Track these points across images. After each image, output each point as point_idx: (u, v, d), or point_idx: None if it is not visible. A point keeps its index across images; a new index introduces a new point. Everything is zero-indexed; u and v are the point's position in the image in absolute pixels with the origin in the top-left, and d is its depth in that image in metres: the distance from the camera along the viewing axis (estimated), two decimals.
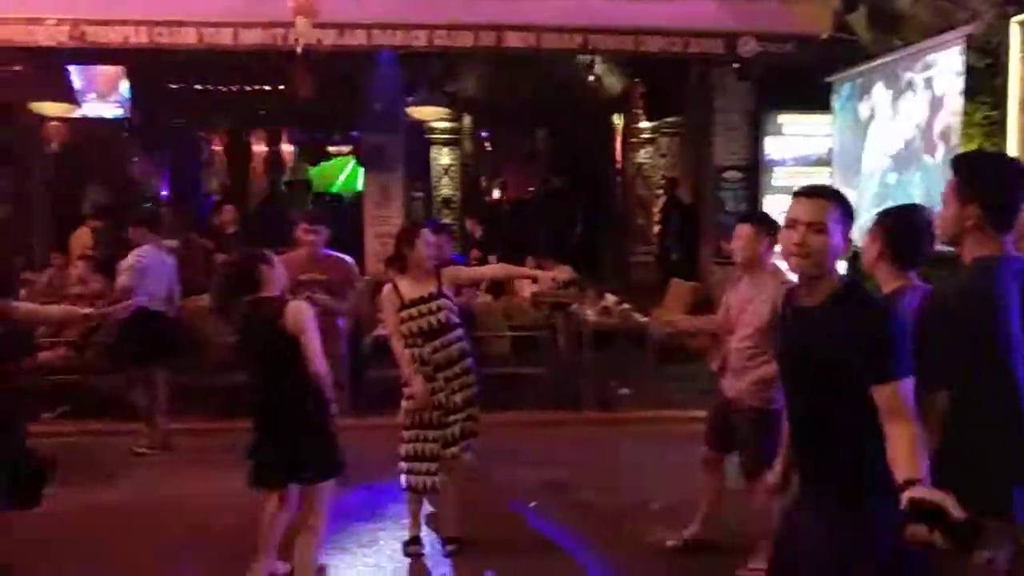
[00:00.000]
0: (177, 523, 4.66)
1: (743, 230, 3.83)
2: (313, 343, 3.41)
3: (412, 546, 4.24)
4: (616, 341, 7.00)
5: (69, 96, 8.48)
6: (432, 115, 9.53)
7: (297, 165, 15.02)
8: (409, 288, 4.08)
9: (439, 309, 4.06)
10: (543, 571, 4.14)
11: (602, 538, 4.44)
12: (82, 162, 9.82)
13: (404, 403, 4.13)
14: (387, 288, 4.14)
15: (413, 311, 4.06)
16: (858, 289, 2.17)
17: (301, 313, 3.43)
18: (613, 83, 10.39)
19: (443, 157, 10.76)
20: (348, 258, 5.28)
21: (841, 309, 2.11)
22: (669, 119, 10.18)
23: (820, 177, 7.44)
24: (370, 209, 8.96)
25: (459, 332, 4.15)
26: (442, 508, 4.33)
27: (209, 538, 4.45)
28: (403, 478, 4.15)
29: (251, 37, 6.99)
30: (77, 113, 8.79)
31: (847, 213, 2.17)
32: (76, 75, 8.71)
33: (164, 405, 6.01)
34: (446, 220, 10.15)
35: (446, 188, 10.76)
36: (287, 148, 14.42)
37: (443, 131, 10.62)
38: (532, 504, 4.85)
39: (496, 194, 14.46)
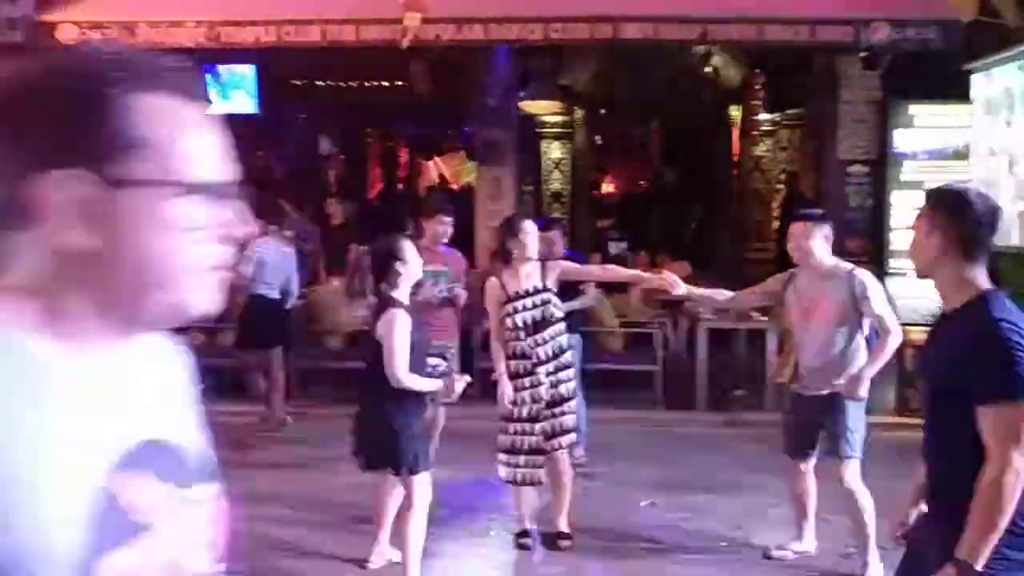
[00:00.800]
0: (295, 503, 4.85)
1: (796, 227, 3.86)
2: (392, 351, 3.52)
3: (522, 539, 4.25)
4: (732, 340, 6.82)
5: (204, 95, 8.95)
6: (544, 109, 9.54)
7: (411, 160, 15.34)
8: (513, 281, 4.08)
9: (543, 303, 4.06)
10: (651, 571, 4.08)
11: (713, 542, 4.34)
12: None
13: (501, 395, 4.17)
14: (491, 281, 4.15)
15: (517, 304, 4.06)
16: (989, 296, 2.01)
17: (390, 323, 3.55)
18: (731, 74, 10.10)
19: (554, 151, 10.74)
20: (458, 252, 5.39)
21: (963, 317, 2.00)
22: (790, 111, 9.81)
23: (956, 172, 6.99)
24: (482, 203, 9.05)
25: (561, 327, 4.14)
26: (552, 503, 4.32)
27: (327, 518, 4.61)
28: (501, 470, 4.17)
29: (372, 33, 7.17)
30: (210, 111, 9.26)
31: (956, 212, 2.05)
32: (210, 74, 9.17)
33: (281, 389, 6.30)
34: (556, 215, 10.16)
35: (556, 182, 10.75)
36: (401, 143, 14.74)
37: (554, 125, 10.60)
38: (643, 503, 4.78)
39: (607, 188, 14.35)
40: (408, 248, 3.72)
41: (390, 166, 14.58)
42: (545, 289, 4.07)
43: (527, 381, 4.06)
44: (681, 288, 4.06)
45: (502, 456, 4.16)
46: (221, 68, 9.33)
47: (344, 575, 3.97)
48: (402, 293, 3.68)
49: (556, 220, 6.22)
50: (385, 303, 3.64)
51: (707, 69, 9.55)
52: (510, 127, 8.89)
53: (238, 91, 9.85)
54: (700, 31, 7.03)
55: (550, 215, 9.83)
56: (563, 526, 4.24)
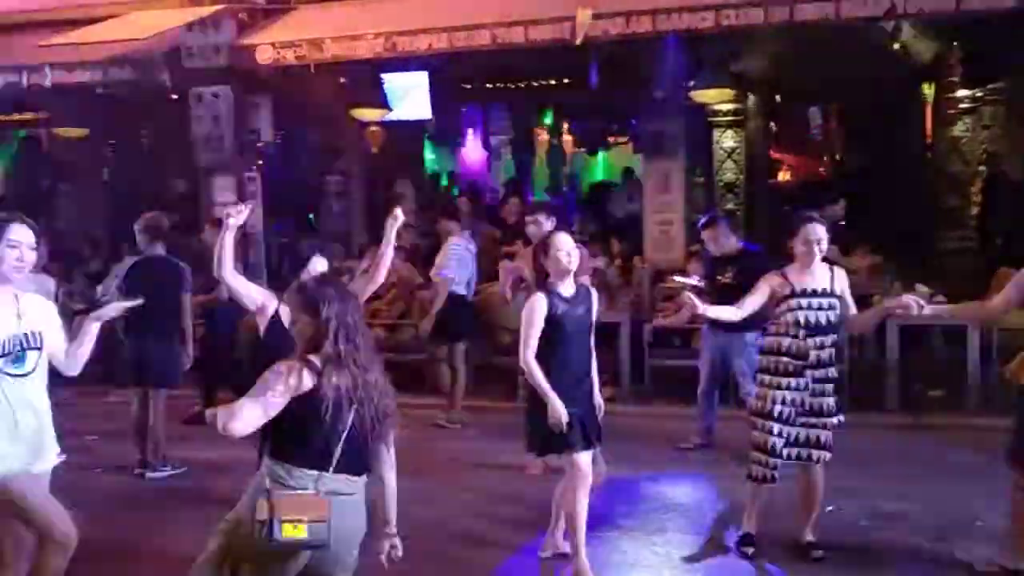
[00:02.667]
0: (473, 488, 5.02)
1: None
2: (524, 337, 3.70)
3: (745, 545, 4.11)
4: (928, 338, 6.33)
5: (383, 102, 9.43)
6: (715, 97, 9.24)
7: (577, 155, 15.40)
8: (800, 277, 3.98)
9: (830, 307, 3.95)
10: None
11: (909, 553, 4.05)
12: (391, 161, 10.88)
13: (757, 389, 4.10)
14: (776, 275, 4.03)
15: (803, 301, 3.95)
16: None
17: (527, 307, 3.73)
18: (922, 49, 9.32)
19: (726, 140, 10.38)
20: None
21: None
22: (993, 85, 8.92)
23: None
24: (650, 196, 8.92)
25: (836, 337, 4.03)
26: (801, 514, 4.13)
27: (502, 505, 4.73)
28: (752, 468, 4.07)
29: (540, 33, 7.26)
30: (388, 117, 9.76)
31: None
32: (388, 82, 9.65)
33: (463, 383, 6.52)
34: (730, 206, 9.82)
35: (729, 173, 10.38)
36: (567, 139, 14.82)
37: (726, 113, 10.24)
38: (828, 508, 4.54)
39: (783, 176, 13.70)
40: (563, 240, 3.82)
41: (557, 163, 14.71)
42: (833, 294, 3.96)
43: (792, 382, 3.94)
44: (925, 309, 3.87)
45: (754, 454, 4.04)
46: (396, 76, 9.78)
47: (513, 563, 4.05)
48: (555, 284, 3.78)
49: (720, 216, 6.01)
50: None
51: (895, 46, 8.88)
52: (679, 118, 8.71)
53: (412, 97, 10.29)
54: (888, 6, 6.56)
55: (722, 207, 9.53)
56: (811, 536, 4.09)
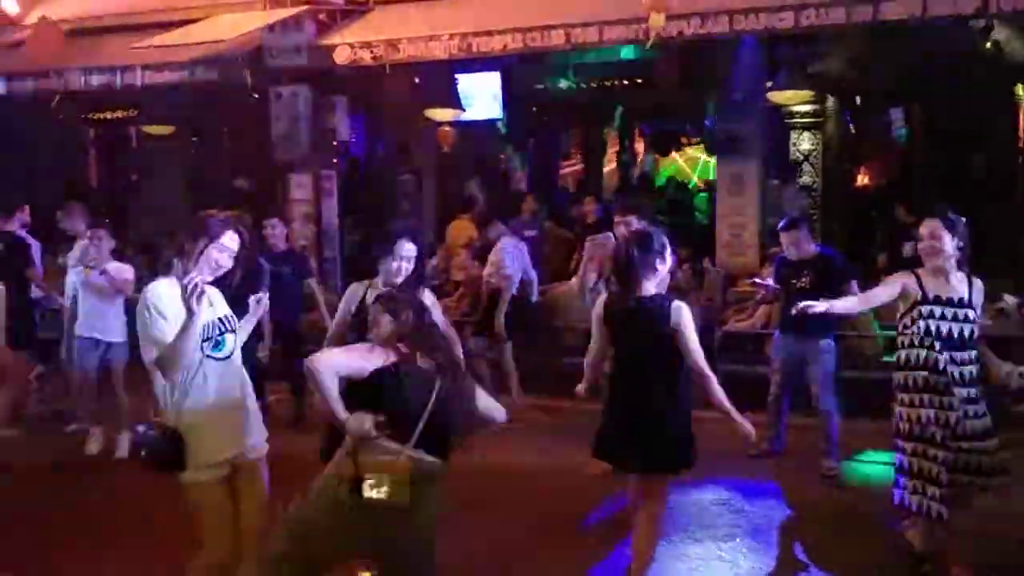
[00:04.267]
0: (527, 492, 5.00)
1: None
2: (694, 341, 3.51)
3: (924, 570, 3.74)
4: (1017, 349, 6.03)
5: (455, 102, 9.53)
6: (793, 99, 9.04)
7: (648, 157, 15.26)
8: (934, 284, 3.67)
9: (965, 319, 3.63)
10: None
11: None
12: (462, 160, 10.99)
13: (898, 409, 3.75)
14: (908, 275, 3.74)
15: (936, 309, 3.63)
16: None
17: (688, 313, 3.50)
18: (1017, 48, 8.94)
19: (803, 142, 10.14)
20: None
21: None
22: None
23: None
24: (723, 199, 8.79)
25: (974, 354, 3.67)
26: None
27: (561, 510, 4.72)
28: (896, 493, 3.74)
29: (615, 33, 7.23)
30: (461, 117, 9.86)
31: None
32: (461, 83, 9.74)
33: (516, 380, 6.54)
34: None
35: (806, 175, 10.14)
36: (639, 140, 14.71)
37: (804, 115, 10.00)
38: None
39: (862, 180, 13.30)
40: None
41: (627, 164, 14.61)
42: (970, 304, 3.66)
43: (936, 400, 3.61)
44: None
45: (900, 479, 3.73)
46: (469, 76, 9.87)
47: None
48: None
49: (801, 219, 5.86)
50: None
51: (987, 45, 8.54)
52: (755, 119, 8.56)
53: (484, 97, 10.37)
54: (978, 4, 6.31)
55: (793, 215, 9.31)
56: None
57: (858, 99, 10.90)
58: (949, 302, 3.62)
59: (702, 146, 13.62)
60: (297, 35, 8.39)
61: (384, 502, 2.59)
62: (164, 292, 2.99)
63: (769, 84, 8.53)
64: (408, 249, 3.71)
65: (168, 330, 2.90)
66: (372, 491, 2.58)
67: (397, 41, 7.95)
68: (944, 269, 3.64)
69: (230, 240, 3.11)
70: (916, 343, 3.65)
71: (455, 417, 2.76)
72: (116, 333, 5.70)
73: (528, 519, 4.63)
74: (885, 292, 3.77)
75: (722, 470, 5.11)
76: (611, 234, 5.31)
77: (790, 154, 10.07)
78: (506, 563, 4.09)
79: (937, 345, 3.60)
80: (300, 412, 6.28)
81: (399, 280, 3.68)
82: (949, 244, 3.62)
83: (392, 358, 2.74)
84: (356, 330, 3.62)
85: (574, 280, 7.74)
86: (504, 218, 7.71)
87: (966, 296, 3.65)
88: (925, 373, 3.61)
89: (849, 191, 11.63)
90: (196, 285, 2.82)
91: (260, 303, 3.27)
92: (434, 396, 2.70)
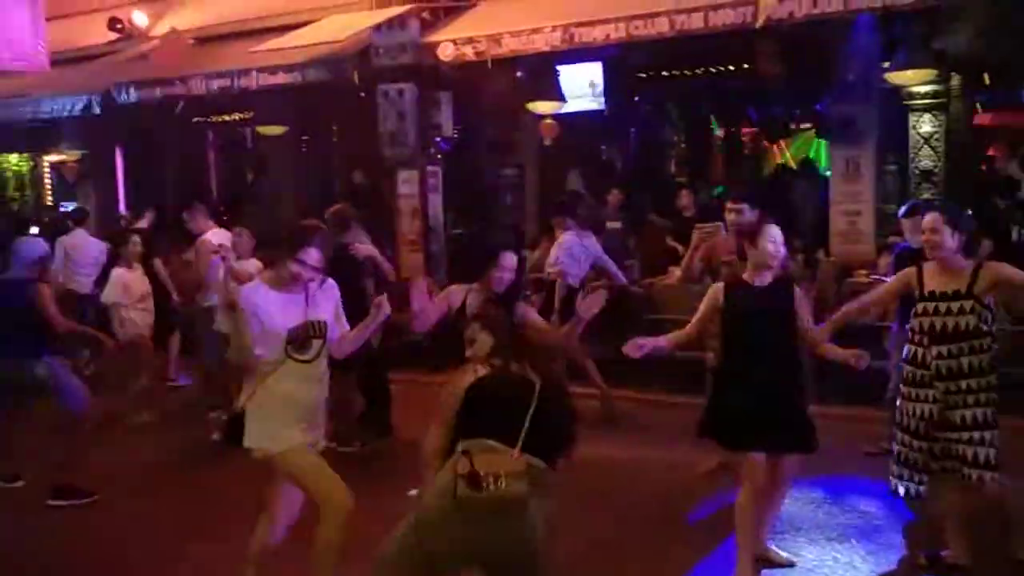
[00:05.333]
0: (631, 488, 4.97)
1: None
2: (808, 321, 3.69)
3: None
4: None
5: (557, 94, 9.52)
6: (914, 79, 8.56)
7: (755, 143, 14.81)
8: (933, 278, 3.65)
9: (960, 312, 3.56)
10: None
11: None
12: (564, 153, 10.97)
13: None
14: (912, 270, 3.74)
15: (929, 305, 3.63)
16: None
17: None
18: None
19: (923, 125, 9.59)
20: None
21: None
22: None
23: None
24: (836, 186, 8.44)
25: (984, 342, 3.59)
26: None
27: (669, 504, 4.66)
28: (891, 481, 3.84)
29: (720, 18, 7.06)
30: (563, 109, 9.83)
31: None
32: (562, 74, 9.71)
33: (596, 377, 6.47)
34: (925, 196, 9.10)
35: (926, 160, 9.59)
36: (746, 127, 14.28)
37: (924, 95, 9.45)
38: None
39: (988, 164, 12.49)
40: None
41: (734, 152, 14.22)
42: (970, 295, 3.57)
43: (918, 393, 3.69)
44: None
45: (892, 467, 3.85)
46: (571, 68, 9.83)
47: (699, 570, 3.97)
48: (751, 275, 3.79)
49: (928, 203, 5.54)
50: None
51: None
52: (871, 101, 8.17)
53: (586, 89, 10.30)
54: None
55: (918, 196, 8.85)
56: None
57: (986, 76, 10.22)
58: (943, 296, 3.60)
59: (813, 131, 13.11)
60: (403, 34, 8.58)
61: (501, 496, 2.62)
62: (256, 293, 3.24)
63: (886, 64, 8.12)
64: (511, 261, 3.83)
65: (251, 329, 3.14)
66: (489, 485, 2.61)
67: (499, 35, 8.02)
68: (946, 261, 3.62)
69: (311, 253, 3.24)
70: (911, 338, 3.73)
71: (555, 423, 2.80)
72: None
73: (633, 515, 4.60)
74: (892, 287, 3.91)
75: (837, 467, 4.93)
76: (720, 223, 5.20)
77: (909, 137, 9.56)
78: (613, 560, 4.07)
79: (925, 340, 3.64)
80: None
81: (500, 290, 3.75)
82: (949, 238, 3.60)
83: (483, 371, 2.84)
84: (452, 331, 3.72)
85: (676, 270, 7.63)
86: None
87: (964, 288, 3.58)
88: (912, 367, 3.70)
89: (975, 176, 10.94)
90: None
91: (381, 308, 3.36)
92: (534, 402, 2.73)
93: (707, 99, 12.45)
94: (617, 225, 8.30)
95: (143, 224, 7.93)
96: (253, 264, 5.78)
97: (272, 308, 3.21)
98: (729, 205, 5.04)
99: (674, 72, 10.42)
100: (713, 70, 10.34)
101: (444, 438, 2.82)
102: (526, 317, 3.78)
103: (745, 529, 3.63)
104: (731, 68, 10.16)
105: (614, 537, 4.31)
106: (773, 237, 3.67)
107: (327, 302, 3.37)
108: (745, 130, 14.28)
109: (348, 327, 3.46)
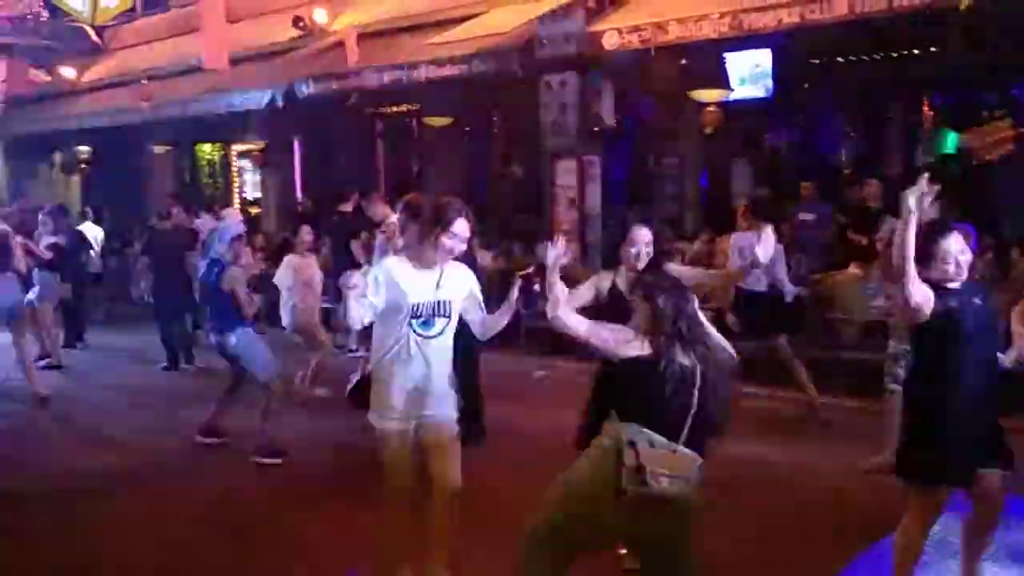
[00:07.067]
0: (785, 490, 4.78)
1: None
2: None
3: None
4: None
5: (723, 82, 9.26)
6: None
7: (937, 131, 13.72)
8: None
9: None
10: None
11: None
12: (728, 142, 10.65)
13: None
14: None
15: None
16: None
17: None
18: None
19: None
20: None
21: None
22: None
23: None
24: None
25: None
26: None
27: (817, 511, 4.46)
28: None
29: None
30: (729, 97, 9.55)
31: None
32: (729, 62, 9.43)
33: (801, 377, 6.18)
34: None
35: None
36: (928, 113, 13.27)
37: None
38: None
39: None
40: None
41: (912, 141, 13.26)
42: None
43: None
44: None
45: None
46: (738, 55, 9.52)
47: None
48: None
49: None
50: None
51: None
52: None
53: (754, 76, 9.94)
54: None
55: None
56: None
57: None
58: None
59: (1008, 119, 12.00)
60: (568, 24, 8.62)
61: (667, 494, 2.60)
62: (390, 265, 3.39)
63: None
64: (643, 234, 3.74)
65: (376, 299, 3.27)
66: (655, 483, 2.59)
67: (665, 23, 7.89)
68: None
69: (462, 227, 3.32)
70: None
71: (714, 411, 2.72)
72: None
73: (782, 518, 4.42)
74: None
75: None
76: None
77: None
78: (754, 560, 3.94)
79: None
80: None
81: (640, 266, 3.69)
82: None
83: (648, 349, 2.71)
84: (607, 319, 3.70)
85: (855, 268, 7.24)
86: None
87: None
88: None
89: None
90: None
91: (516, 297, 3.42)
92: (696, 393, 2.66)
93: (885, 85, 11.67)
94: (810, 217, 7.99)
95: (347, 208, 8.43)
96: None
97: (407, 281, 3.31)
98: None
99: (850, 57, 9.85)
100: (895, 54, 9.69)
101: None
102: (675, 271, 3.77)
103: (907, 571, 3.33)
104: (915, 52, 9.48)
105: (754, 537, 4.16)
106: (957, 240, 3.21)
107: (461, 284, 3.44)
108: (928, 116, 13.27)
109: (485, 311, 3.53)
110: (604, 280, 3.86)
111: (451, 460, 3.39)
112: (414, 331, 3.32)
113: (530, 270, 3.47)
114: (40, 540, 4.45)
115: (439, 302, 3.36)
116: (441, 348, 3.40)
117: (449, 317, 3.40)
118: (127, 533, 4.50)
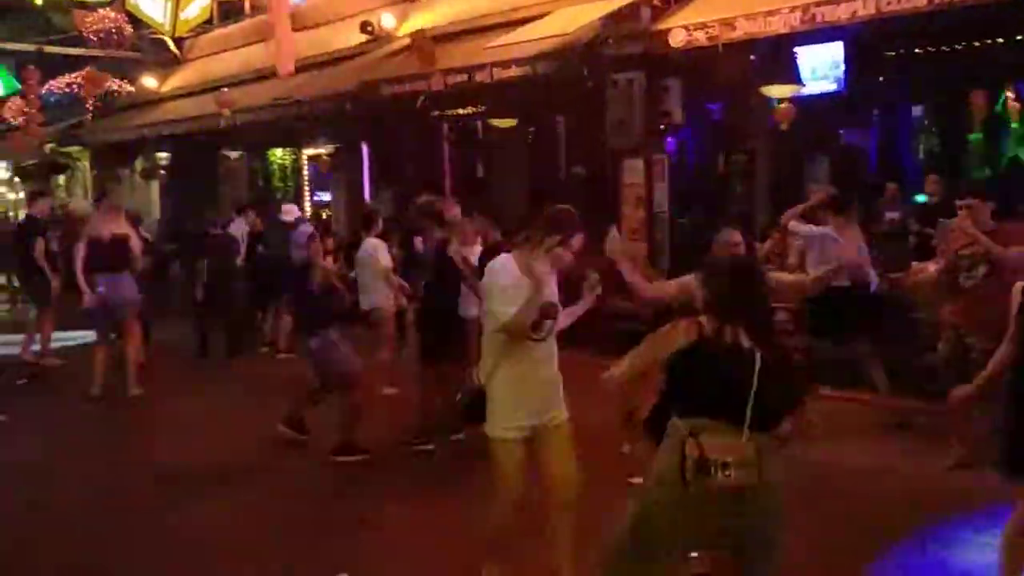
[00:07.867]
0: (858, 493, 4.69)
1: None
2: None
3: None
4: None
5: (794, 77, 9.05)
6: None
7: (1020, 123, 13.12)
8: None
9: None
10: None
11: None
12: (799, 138, 10.40)
13: None
14: None
15: None
16: None
17: None
18: None
19: None
20: None
21: None
22: None
23: None
24: None
25: None
26: None
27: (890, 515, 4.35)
28: None
29: None
30: (800, 92, 9.32)
31: None
32: (800, 56, 9.21)
33: (877, 379, 6.01)
34: None
35: None
36: (1014, 105, 12.70)
37: None
38: None
39: None
40: None
41: (997, 134, 12.72)
42: None
43: None
44: None
45: None
46: (809, 49, 9.29)
47: None
48: None
49: None
50: None
51: None
52: None
53: (826, 70, 9.70)
54: None
55: None
56: None
57: None
58: None
59: None
60: (633, 22, 8.55)
61: (733, 485, 2.56)
62: (503, 266, 3.37)
63: None
64: (733, 237, 3.85)
65: (506, 302, 3.26)
66: (720, 474, 2.55)
67: (733, 19, 7.75)
68: None
69: (579, 243, 3.36)
70: None
71: (777, 396, 2.65)
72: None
73: (854, 522, 4.33)
74: None
75: None
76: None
77: None
78: (821, 563, 3.84)
79: None
80: None
81: None
82: None
83: (707, 331, 2.64)
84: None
85: (931, 266, 6.97)
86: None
87: None
88: None
89: None
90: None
91: (593, 290, 3.47)
92: (756, 374, 2.58)
93: (965, 77, 11.23)
94: (896, 215, 7.79)
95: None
96: (475, 251, 6.03)
97: (517, 287, 3.33)
98: (958, 202, 4.60)
99: (928, 49, 9.51)
100: (977, 43, 9.31)
101: (634, 372, 2.79)
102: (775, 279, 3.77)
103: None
104: (999, 41, 9.10)
105: (826, 538, 4.07)
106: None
107: (554, 286, 3.50)
108: (1013, 107, 12.71)
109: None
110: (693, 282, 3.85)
111: (570, 460, 3.45)
112: (528, 336, 3.36)
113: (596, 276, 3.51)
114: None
115: (549, 304, 3.41)
116: (549, 348, 3.47)
117: (555, 319, 3.46)
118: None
